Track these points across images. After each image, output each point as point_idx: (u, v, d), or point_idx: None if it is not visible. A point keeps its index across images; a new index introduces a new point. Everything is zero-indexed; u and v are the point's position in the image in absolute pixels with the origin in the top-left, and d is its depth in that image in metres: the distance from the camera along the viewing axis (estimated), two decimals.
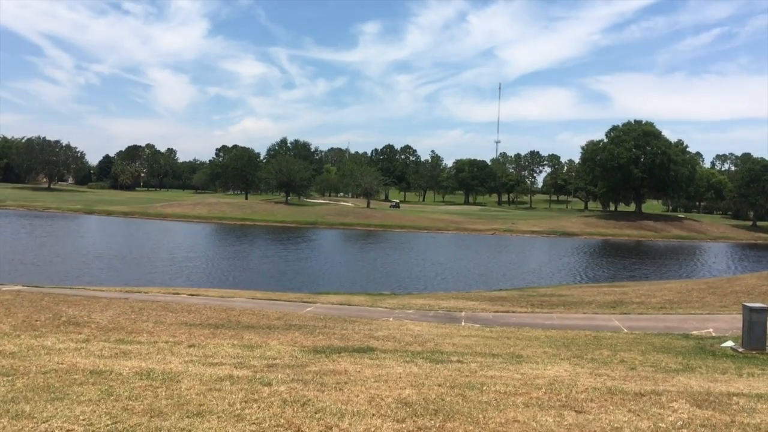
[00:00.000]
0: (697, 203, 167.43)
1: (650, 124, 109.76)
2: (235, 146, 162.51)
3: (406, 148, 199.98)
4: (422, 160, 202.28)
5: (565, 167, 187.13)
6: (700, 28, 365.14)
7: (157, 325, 13.23)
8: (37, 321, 12.86)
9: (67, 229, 75.58)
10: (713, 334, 16.01)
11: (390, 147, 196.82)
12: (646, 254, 74.09)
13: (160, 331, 12.51)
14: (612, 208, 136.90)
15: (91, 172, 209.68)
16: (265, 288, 34.94)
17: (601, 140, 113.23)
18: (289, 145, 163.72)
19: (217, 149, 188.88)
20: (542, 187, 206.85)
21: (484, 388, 8.41)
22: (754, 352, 13.46)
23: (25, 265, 41.88)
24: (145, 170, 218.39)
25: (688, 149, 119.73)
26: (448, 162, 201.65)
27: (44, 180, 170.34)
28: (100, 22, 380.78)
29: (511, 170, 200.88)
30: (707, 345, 14.40)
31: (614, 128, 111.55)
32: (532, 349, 13.04)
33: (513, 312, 19.24)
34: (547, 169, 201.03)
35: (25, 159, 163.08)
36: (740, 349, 13.66)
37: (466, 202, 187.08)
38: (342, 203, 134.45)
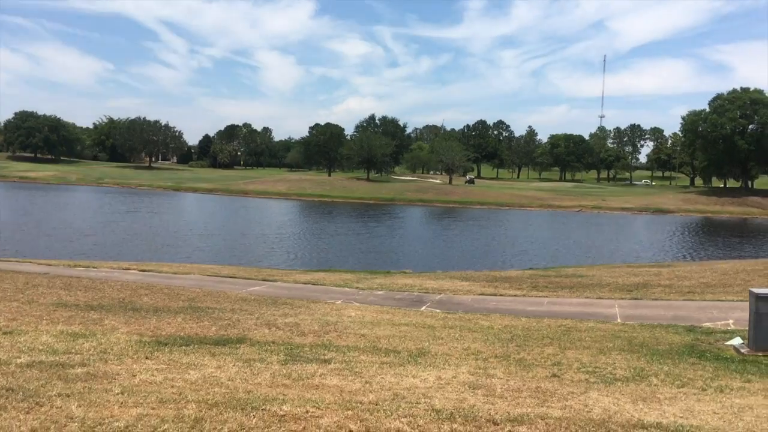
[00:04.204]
0: None
1: (759, 92, 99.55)
2: (327, 124, 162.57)
3: (499, 124, 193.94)
4: (516, 135, 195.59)
5: (669, 141, 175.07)
6: None
7: (22, 305, 11.47)
8: None
9: (148, 205, 77.11)
10: (731, 327, 12.62)
11: (482, 123, 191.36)
12: (744, 233, 67.18)
13: (7, 312, 10.73)
14: (720, 183, 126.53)
15: (192, 151, 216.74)
16: (306, 266, 33.35)
17: (703, 110, 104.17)
18: (377, 121, 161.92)
19: (310, 127, 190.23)
20: (646, 162, 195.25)
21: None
22: (760, 354, 10.13)
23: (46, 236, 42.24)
24: (242, 149, 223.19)
25: None
26: (545, 138, 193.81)
27: (146, 159, 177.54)
28: (213, 7, 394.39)
29: (611, 145, 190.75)
30: (707, 342, 11.15)
31: (718, 97, 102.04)
32: (457, 344, 10.35)
33: (500, 295, 16.32)
34: (650, 144, 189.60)
35: (127, 139, 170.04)
36: (744, 350, 10.35)
37: (562, 179, 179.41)
38: (430, 180, 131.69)
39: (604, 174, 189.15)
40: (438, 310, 14.15)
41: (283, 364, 8.30)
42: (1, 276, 14.44)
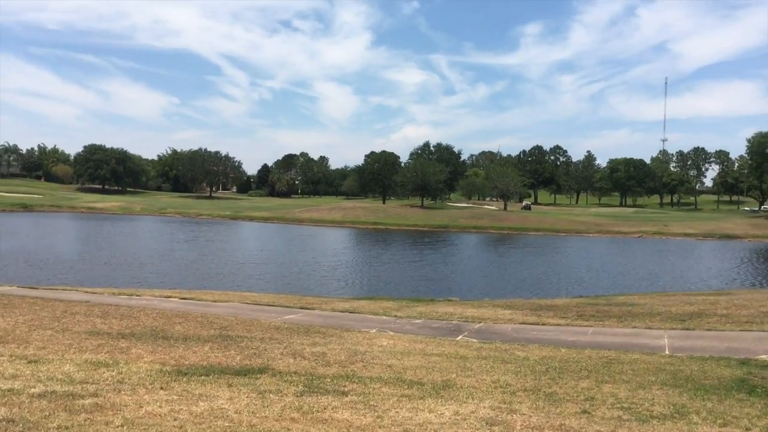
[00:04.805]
0: None
1: None
2: (382, 152, 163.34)
3: (556, 149, 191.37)
4: (574, 161, 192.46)
5: (736, 164, 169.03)
6: None
7: (55, 334, 11.56)
8: None
9: (207, 233, 78.57)
10: None
11: (539, 148, 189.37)
12: None
13: (38, 341, 10.83)
14: None
15: (251, 180, 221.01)
16: (363, 293, 33.23)
17: None
18: (431, 148, 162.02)
19: (366, 155, 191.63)
20: (712, 186, 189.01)
21: None
22: None
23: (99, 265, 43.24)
24: (299, 178, 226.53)
25: None
26: (604, 163, 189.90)
27: (207, 189, 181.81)
28: (273, 41, 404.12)
29: (674, 169, 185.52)
30: (760, 376, 10.39)
31: None
32: (486, 376, 9.90)
33: (542, 324, 15.71)
34: (716, 167, 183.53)
35: (189, 169, 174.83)
36: None
37: (623, 204, 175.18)
38: (485, 207, 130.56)
39: (667, 199, 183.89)
40: (474, 340, 13.68)
41: (298, 396, 8.04)
42: (42, 304, 14.70)
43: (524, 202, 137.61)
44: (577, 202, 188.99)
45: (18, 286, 21.50)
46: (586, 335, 14.43)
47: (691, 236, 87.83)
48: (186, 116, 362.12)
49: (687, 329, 14.88)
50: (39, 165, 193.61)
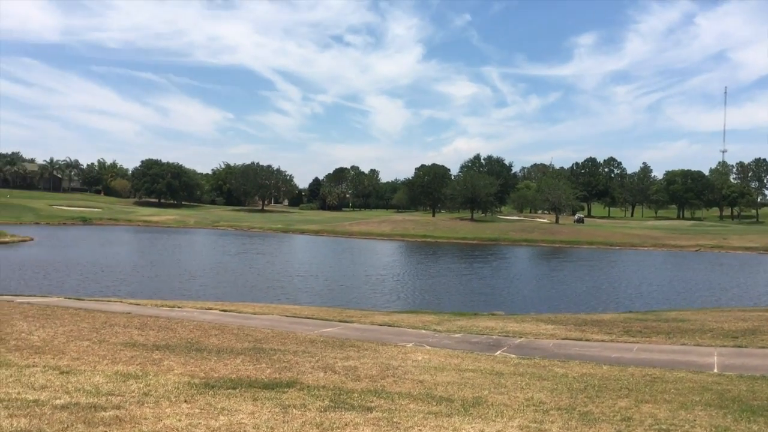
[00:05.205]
0: None
1: None
2: (432, 164, 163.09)
3: (610, 161, 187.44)
4: (629, 173, 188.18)
5: None
6: None
7: (92, 345, 11.72)
8: None
9: (258, 246, 79.64)
10: None
11: (592, 160, 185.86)
12: None
13: (74, 352, 10.97)
14: None
15: (303, 194, 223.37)
16: (424, 306, 33.10)
17: None
18: (482, 161, 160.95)
19: (416, 168, 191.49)
20: None
21: None
22: None
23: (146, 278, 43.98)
24: (350, 191, 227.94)
25: None
26: (660, 174, 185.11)
27: (259, 202, 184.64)
28: (325, 56, 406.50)
29: (734, 181, 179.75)
30: None
31: None
32: (520, 393, 9.58)
33: (585, 340, 15.22)
34: None
35: (241, 183, 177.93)
36: None
37: (680, 217, 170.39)
38: (537, 220, 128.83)
39: (727, 212, 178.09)
40: (513, 356, 13.32)
41: (321, 412, 7.87)
42: (84, 315, 14.97)
43: (577, 215, 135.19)
44: (632, 215, 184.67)
45: (65, 297, 22.08)
46: (631, 352, 13.90)
47: (752, 250, 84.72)
48: (240, 131, 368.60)
49: (739, 347, 14.21)
50: (99, 179, 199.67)
